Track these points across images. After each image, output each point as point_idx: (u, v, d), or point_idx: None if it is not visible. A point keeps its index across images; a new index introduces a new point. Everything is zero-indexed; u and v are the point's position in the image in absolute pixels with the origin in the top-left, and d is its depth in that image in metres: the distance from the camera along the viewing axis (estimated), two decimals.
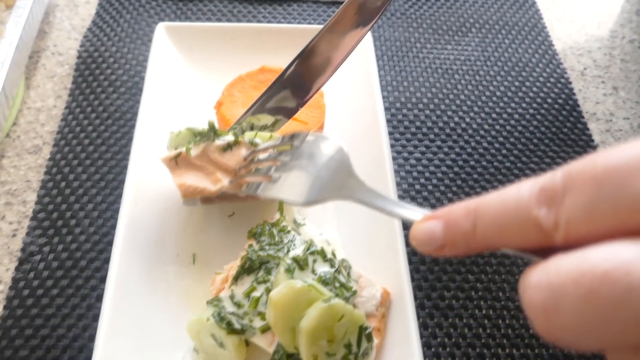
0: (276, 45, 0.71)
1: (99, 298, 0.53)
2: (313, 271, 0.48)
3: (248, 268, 0.49)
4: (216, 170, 0.54)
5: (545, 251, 0.26)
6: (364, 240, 0.56)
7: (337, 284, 0.48)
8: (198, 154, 0.53)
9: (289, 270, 0.47)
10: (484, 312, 0.56)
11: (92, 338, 0.51)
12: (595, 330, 0.22)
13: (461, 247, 0.30)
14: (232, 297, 0.48)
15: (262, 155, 0.52)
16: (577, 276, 0.23)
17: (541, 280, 0.24)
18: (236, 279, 0.49)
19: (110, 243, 0.56)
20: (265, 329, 0.47)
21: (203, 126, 0.56)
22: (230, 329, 0.46)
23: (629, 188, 0.23)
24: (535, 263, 0.25)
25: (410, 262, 0.57)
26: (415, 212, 0.35)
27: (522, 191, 0.27)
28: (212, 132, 0.54)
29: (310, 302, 0.45)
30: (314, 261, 0.49)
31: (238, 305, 0.48)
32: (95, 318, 0.52)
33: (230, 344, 0.46)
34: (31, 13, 0.68)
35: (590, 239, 0.24)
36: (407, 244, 0.51)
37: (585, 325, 0.22)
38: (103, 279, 0.54)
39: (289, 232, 0.52)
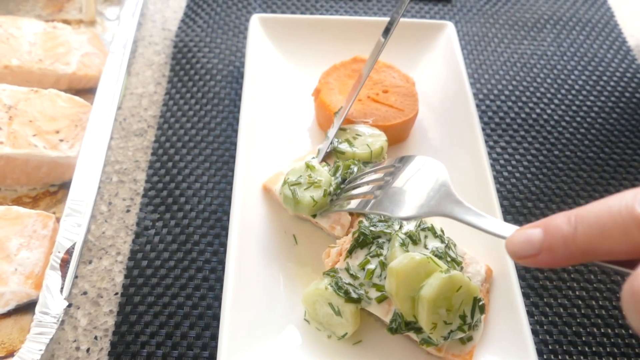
0: (362, 36, 0.74)
1: (213, 270, 0.56)
2: (425, 246, 0.51)
3: (362, 242, 0.52)
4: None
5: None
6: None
7: (448, 259, 0.51)
8: None
9: (404, 245, 0.50)
10: (577, 293, 0.58)
11: (209, 307, 0.54)
12: None
13: (560, 253, 0.30)
14: (347, 269, 0.51)
15: (369, 177, 0.55)
16: None
17: None
18: (350, 252, 0.52)
19: (218, 220, 0.60)
20: (381, 299, 0.49)
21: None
22: (348, 297, 0.49)
23: None
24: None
25: None
26: (512, 229, 0.38)
27: (626, 195, 0.27)
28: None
29: (428, 273, 0.47)
30: (425, 237, 0.52)
31: (353, 276, 0.51)
32: (211, 289, 0.55)
33: (348, 312, 0.49)
34: (137, 6, 0.73)
35: None
36: None
37: None
38: (215, 253, 0.57)
39: None
